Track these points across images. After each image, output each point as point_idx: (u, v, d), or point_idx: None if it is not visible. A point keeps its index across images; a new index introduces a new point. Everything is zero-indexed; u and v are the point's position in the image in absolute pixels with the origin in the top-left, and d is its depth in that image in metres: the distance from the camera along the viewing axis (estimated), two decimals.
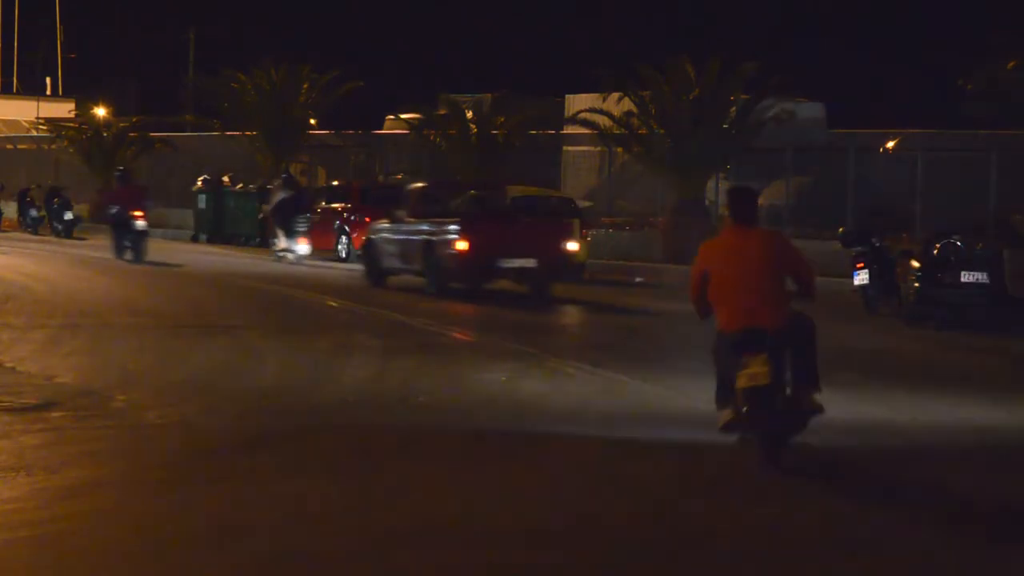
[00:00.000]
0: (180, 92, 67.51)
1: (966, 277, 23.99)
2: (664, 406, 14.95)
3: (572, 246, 28.75)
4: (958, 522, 10.19)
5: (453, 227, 27.15)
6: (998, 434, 14.10)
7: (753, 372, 11.44)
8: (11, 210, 53.86)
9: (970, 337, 22.90)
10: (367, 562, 8.96)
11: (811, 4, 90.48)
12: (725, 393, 11.81)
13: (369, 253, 29.89)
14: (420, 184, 31.42)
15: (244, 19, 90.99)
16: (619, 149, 42.85)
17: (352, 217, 37.90)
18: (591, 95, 43.06)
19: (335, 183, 43.20)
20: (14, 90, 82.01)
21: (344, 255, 37.61)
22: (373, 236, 29.85)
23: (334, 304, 25.21)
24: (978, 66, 37.05)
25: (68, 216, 48.21)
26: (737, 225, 12.02)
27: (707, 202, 40.82)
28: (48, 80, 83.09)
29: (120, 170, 39.71)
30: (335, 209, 38.59)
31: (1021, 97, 34.86)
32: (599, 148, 44.05)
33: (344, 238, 37.87)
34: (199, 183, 48.64)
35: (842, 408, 14.01)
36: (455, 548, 9.20)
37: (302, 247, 36.24)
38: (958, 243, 24.74)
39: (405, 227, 28.63)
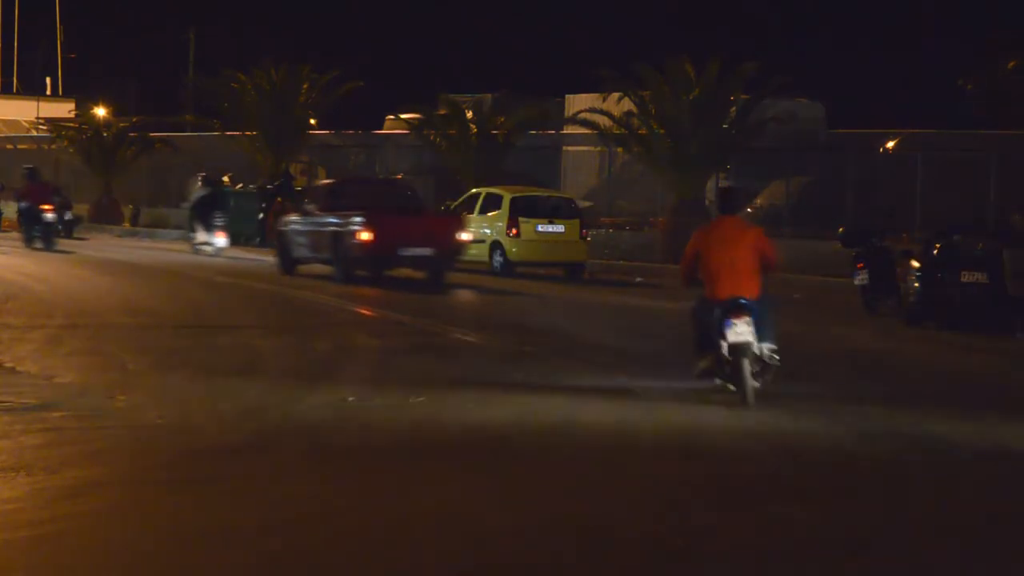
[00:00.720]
0: (180, 92, 67.56)
1: (966, 277, 23.99)
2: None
3: (464, 236, 31.21)
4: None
5: (358, 219, 29.60)
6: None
7: (739, 331, 14.76)
8: (11, 210, 53.85)
9: (970, 337, 22.90)
10: (367, 562, 8.96)
11: (811, 4, 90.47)
12: (704, 346, 15.14)
13: (282, 244, 32.31)
14: (328, 181, 35.20)
15: (244, 19, 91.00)
16: (619, 149, 42.86)
17: None
18: (591, 95, 43.08)
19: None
20: (14, 90, 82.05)
21: None
22: (285, 228, 32.27)
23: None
24: (978, 66, 37.06)
25: (68, 216, 48.21)
26: (724, 216, 15.65)
27: (707, 202, 40.82)
28: (48, 80, 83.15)
29: (28, 168, 42.81)
30: None
31: (1021, 97, 34.86)
32: (599, 148, 44.08)
33: None
34: (199, 183, 48.63)
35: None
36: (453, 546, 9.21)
37: (220, 240, 39.20)
38: (958, 243, 24.75)
39: (314, 220, 31.02)
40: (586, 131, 41.90)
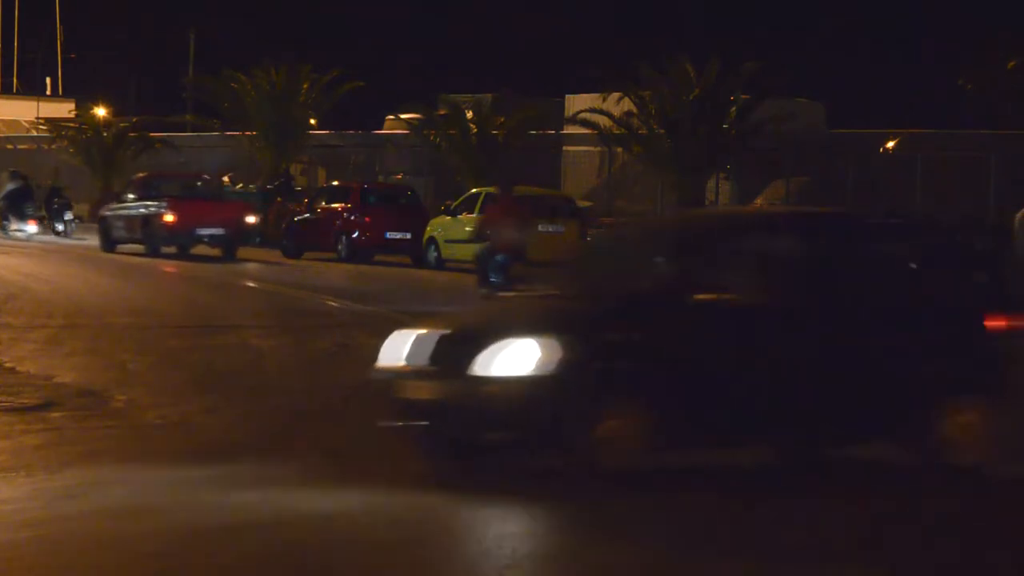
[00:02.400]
0: (180, 92, 67.47)
1: None
2: None
3: (251, 219, 37.50)
4: None
5: (164, 204, 36.46)
6: None
7: None
8: None
9: None
10: (369, 561, 8.97)
11: (811, 4, 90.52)
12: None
13: (103, 227, 38.97)
14: (142, 174, 42.34)
15: (244, 19, 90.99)
16: (619, 149, 42.86)
17: (352, 217, 37.88)
18: (591, 95, 43.06)
19: (335, 183, 43.17)
20: (14, 90, 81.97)
21: (344, 255, 37.51)
22: (106, 214, 39.06)
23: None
24: (978, 66, 37.05)
25: (68, 216, 48.19)
26: None
27: (707, 202, 40.81)
28: (48, 80, 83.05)
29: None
30: (335, 209, 38.54)
31: (1021, 97, 34.86)
32: (599, 148, 44.06)
33: (344, 238, 37.81)
34: (199, 183, 48.60)
35: None
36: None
37: (31, 227, 43.87)
38: (958, 243, 24.70)
39: (130, 207, 37.86)
40: (586, 131, 41.89)
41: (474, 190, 37.01)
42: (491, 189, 36.27)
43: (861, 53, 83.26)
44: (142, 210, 36.99)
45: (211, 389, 15.18)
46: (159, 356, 17.71)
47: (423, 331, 11.36)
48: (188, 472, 11.18)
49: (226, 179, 48.23)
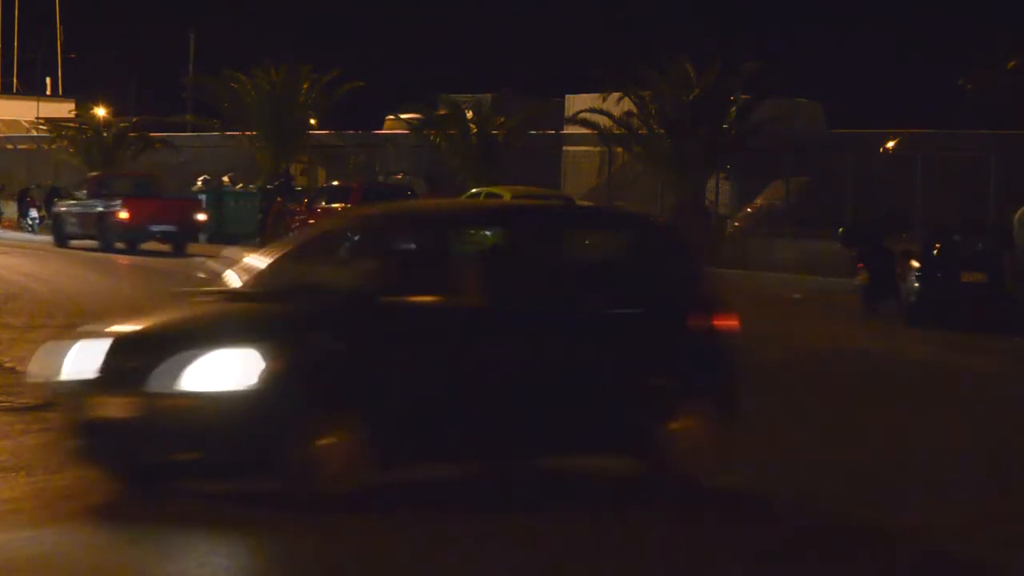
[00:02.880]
0: (180, 92, 67.43)
1: (966, 277, 23.99)
2: None
3: (200, 216, 40.11)
4: None
5: (118, 202, 38.69)
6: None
7: None
8: (11, 210, 53.82)
9: (970, 337, 22.89)
10: (370, 562, 8.97)
11: (812, 4, 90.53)
12: None
13: (56, 224, 41.29)
14: (95, 173, 44.77)
15: (244, 19, 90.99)
16: (619, 149, 42.84)
17: None
18: (591, 95, 43.05)
19: (335, 183, 43.16)
20: (14, 90, 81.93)
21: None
22: (60, 211, 41.31)
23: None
24: (978, 66, 37.03)
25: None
26: None
27: (707, 202, 40.81)
28: (48, 80, 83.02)
29: None
30: (335, 209, 38.55)
31: (1021, 97, 34.83)
32: (599, 148, 44.03)
33: None
34: (199, 183, 48.61)
35: None
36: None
37: None
38: (958, 243, 24.75)
39: (83, 204, 40.04)
40: (586, 131, 41.87)
41: (474, 190, 37.00)
42: (491, 189, 36.33)
43: (861, 53, 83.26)
44: (98, 208, 39.26)
45: None
46: None
47: (88, 339, 10.24)
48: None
49: (226, 179, 48.20)
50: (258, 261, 11.13)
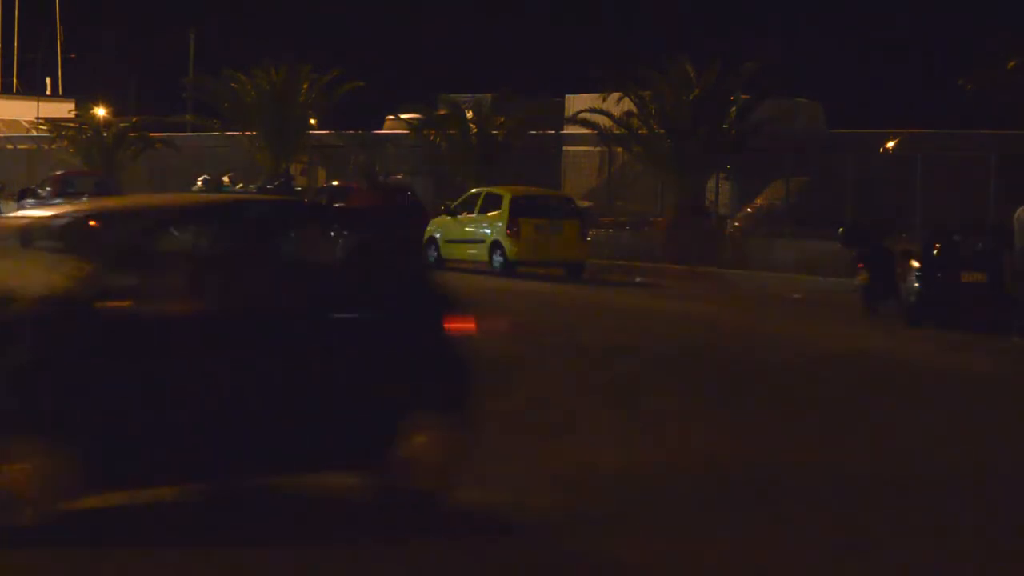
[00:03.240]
0: (180, 92, 67.45)
1: (966, 277, 24.00)
2: None
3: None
4: None
5: (83, 200, 38.44)
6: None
7: None
8: (10, 209, 53.86)
9: (970, 337, 22.90)
10: (369, 563, 8.97)
11: (812, 4, 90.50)
12: None
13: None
14: (58, 172, 45.41)
15: (244, 19, 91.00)
16: (619, 149, 42.83)
17: None
18: (591, 95, 43.04)
19: (335, 183, 43.18)
20: (14, 90, 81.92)
21: None
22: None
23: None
24: (978, 66, 37.03)
25: None
26: None
27: (707, 202, 40.80)
28: (48, 80, 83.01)
29: None
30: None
31: (1021, 97, 34.83)
32: (599, 148, 44.03)
33: None
34: (199, 183, 48.64)
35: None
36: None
37: None
38: (958, 243, 24.75)
39: (48, 203, 38.96)
40: (586, 131, 41.86)
41: (474, 190, 37.02)
42: (491, 189, 36.35)
43: (861, 53, 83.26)
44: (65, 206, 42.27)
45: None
46: None
47: None
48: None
49: (226, 179, 48.22)
50: None
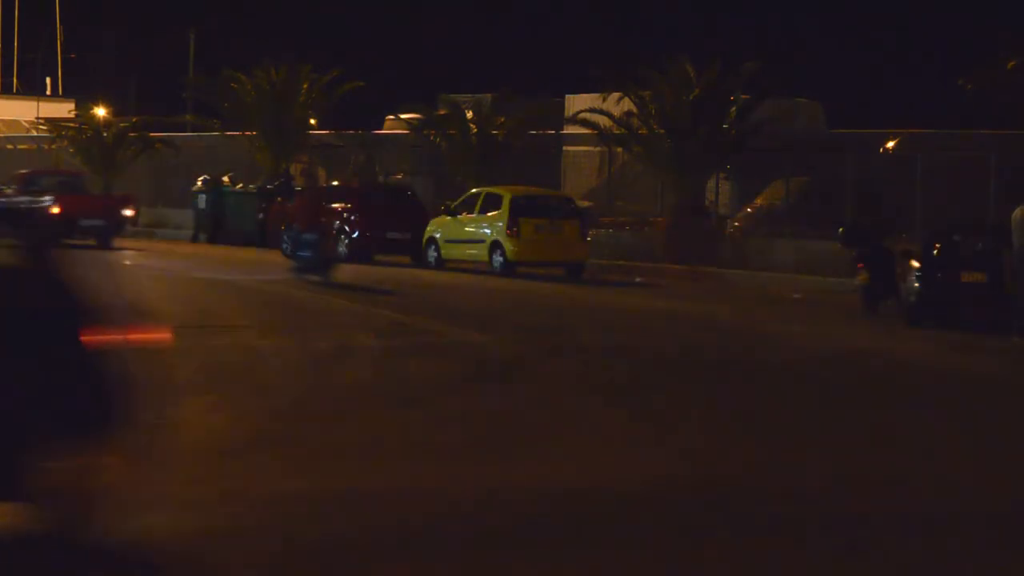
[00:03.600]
0: (180, 92, 67.40)
1: (966, 277, 24.00)
2: None
3: (128, 212, 42.98)
4: None
5: (49, 198, 41.32)
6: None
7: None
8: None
9: (970, 337, 22.90)
10: (372, 562, 8.97)
11: (811, 4, 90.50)
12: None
13: None
14: (23, 171, 46.70)
15: (244, 19, 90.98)
16: (619, 149, 42.82)
17: (352, 217, 37.94)
18: (591, 95, 43.02)
19: (335, 183, 43.17)
20: (14, 90, 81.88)
21: (344, 255, 37.54)
22: None
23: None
24: (978, 66, 37.01)
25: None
26: None
27: (707, 202, 40.80)
28: (48, 80, 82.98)
29: None
30: (335, 209, 38.58)
31: (1021, 97, 34.82)
32: (599, 148, 44.02)
33: (344, 238, 37.86)
34: (199, 183, 48.63)
35: None
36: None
37: None
38: (958, 243, 24.75)
39: (13, 199, 41.87)
40: (586, 131, 41.85)
41: (474, 190, 37.03)
42: (491, 189, 36.36)
43: (861, 53, 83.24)
44: (26, 204, 41.86)
45: (211, 389, 15.17)
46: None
47: None
48: (187, 472, 11.18)
49: (226, 179, 48.21)
50: None
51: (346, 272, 33.90)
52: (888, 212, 32.55)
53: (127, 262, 34.41)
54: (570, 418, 14.36)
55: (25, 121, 70.69)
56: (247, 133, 50.98)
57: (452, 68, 79.21)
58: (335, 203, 38.73)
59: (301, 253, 30.16)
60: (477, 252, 34.77)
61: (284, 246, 35.18)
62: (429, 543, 9.38)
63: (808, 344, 21.69)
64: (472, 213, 35.33)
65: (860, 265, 26.46)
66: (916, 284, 24.13)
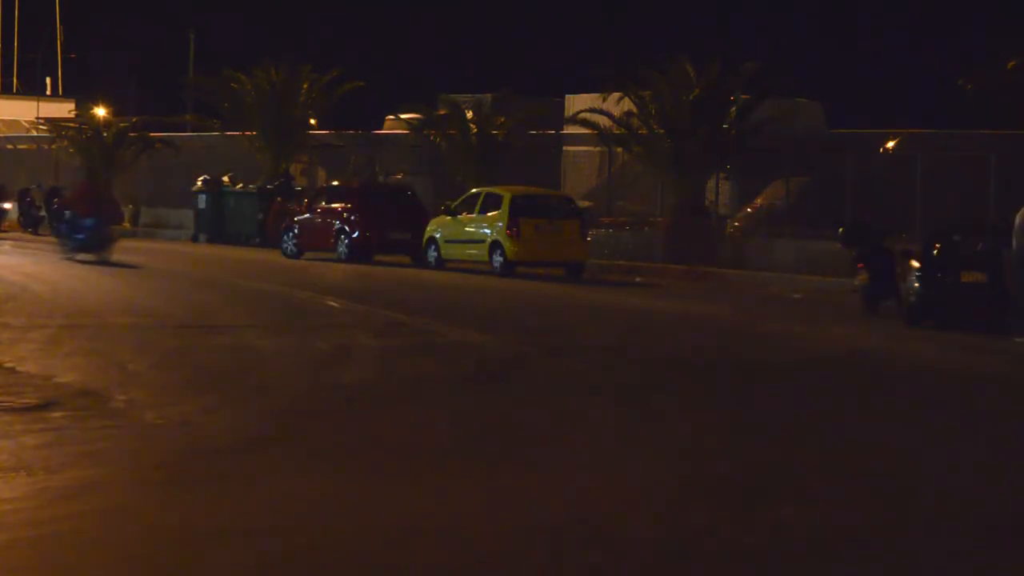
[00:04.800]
0: (180, 92, 67.38)
1: (966, 277, 23.99)
2: None
3: (6, 206, 49.65)
4: None
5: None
6: None
7: None
8: (11, 210, 53.80)
9: (970, 337, 22.90)
10: (369, 561, 8.97)
11: (812, 4, 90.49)
12: None
13: None
14: None
15: (244, 19, 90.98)
16: (619, 149, 42.81)
17: (352, 217, 37.94)
18: (591, 95, 43.01)
19: (335, 183, 43.18)
20: (14, 90, 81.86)
21: (344, 255, 37.58)
22: None
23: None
24: (978, 66, 37.00)
25: (67, 216, 48.18)
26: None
27: (707, 202, 40.79)
28: (48, 80, 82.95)
29: None
30: (335, 209, 38.61)
31: (1021, 97, 34.81)
32: (599, 148, 44.02)
33: (344, 238, 37.88)
34: (199, 183, 48.61)
35: None
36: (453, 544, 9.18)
37: None
38: (958, 243, 24.75)
39: None
40: (586, 131, 41.85)
41: (474, 190, 37.02)
42: (491, 189, 36.37)
43: (861, 53, 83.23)
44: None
45: (211, 389, 15.17)
46: (159, 356, 17.71)
47: None
48: (188, 472, 11.18)
49: (226, 179, 48.19)
50: None
51: (347, 272, 33.90)
52: (888, 212, 32.56)
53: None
54: (570, 418, 14.36)
55: (25, 121, 70.66)
56: (247, 133, 50.97)
57: (452, 68, 79.24)
58: (335, 203, 38.77)
59: (78, 236, 34.54)
60: (477, 252, 34.77)
61: (60, 226, 39.09)
62: (429, 542, 9.38)
63: (808, 344, 21.69)
64: (472, 213, 35.33)
65: (860, 265, 26.46)
66: (916, 284, 24.13)
